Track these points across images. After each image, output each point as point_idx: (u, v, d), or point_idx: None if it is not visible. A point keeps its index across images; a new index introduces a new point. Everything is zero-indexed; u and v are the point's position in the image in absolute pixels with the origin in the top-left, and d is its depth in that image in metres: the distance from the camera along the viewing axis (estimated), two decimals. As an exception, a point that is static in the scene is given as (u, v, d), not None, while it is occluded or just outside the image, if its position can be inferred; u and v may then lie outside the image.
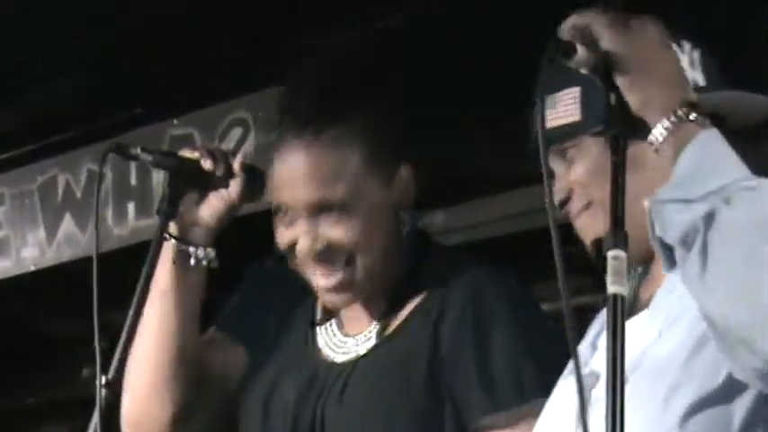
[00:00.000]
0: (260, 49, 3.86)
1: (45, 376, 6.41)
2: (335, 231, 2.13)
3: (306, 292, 2.27)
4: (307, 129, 2.16)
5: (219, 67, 3.98)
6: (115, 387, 1.96)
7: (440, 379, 2.11)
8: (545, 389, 1.89)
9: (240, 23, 3.77)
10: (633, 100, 1.64)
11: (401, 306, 2.21)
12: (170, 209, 2.15)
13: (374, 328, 2.21)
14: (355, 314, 2.24)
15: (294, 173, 2.15)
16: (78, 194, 4.55)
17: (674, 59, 1.68)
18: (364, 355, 2.19)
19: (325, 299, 2.22)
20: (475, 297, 2.13)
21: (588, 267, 1.79)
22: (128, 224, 4.42)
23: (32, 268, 4.71)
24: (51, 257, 4.65)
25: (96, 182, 2.17)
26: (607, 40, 1.63)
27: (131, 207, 4.41)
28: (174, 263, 2.22)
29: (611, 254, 1.57)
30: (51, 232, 4.63)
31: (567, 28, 1.65)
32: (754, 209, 1.54)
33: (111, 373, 1.95)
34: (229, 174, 2.21)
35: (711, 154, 1.60)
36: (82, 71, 4.12)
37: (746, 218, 1.53)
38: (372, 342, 2.20)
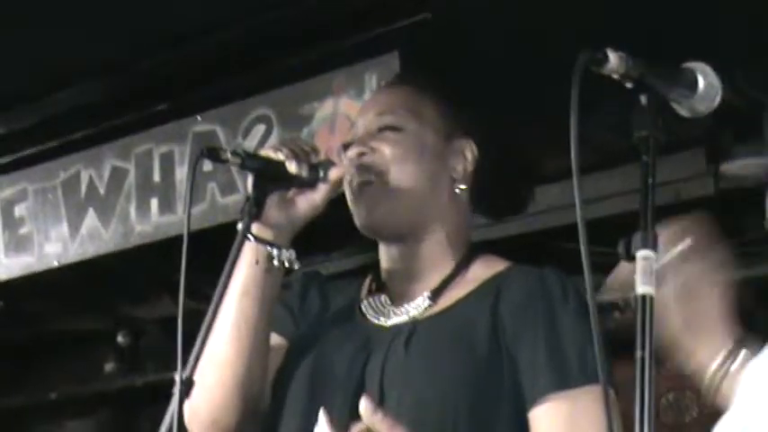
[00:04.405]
0: (283, 46, 3.86)
1: (68, 372, 6.44)
2: (384, 145, 2.27)
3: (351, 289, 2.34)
4: (393, 81, 2.50)
5: (242, 63, 3.98)
6: (189, 385, 1.95)
7: (501, 343, 2.16)
8: (600, 374, 1.99)
9: (262, 20, 3.76)
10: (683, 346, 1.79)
11: (453, 286, 2.26)
12: (255, 210, 2.15)
13: (426, 298, 2.26)
14: (406, 286, 2.29)
15: (368, 104, 2.40)
16: (102, 190, 4.54)
17: (717, 298, 1.80)
18: (421, 318, 2.23)
19: (354, 199, 2.30)
20: (540, 282, 2.20)
21: (610, 266, 1.79)
22: (151, 220, 4.41)
23: (55, 264, 4.71)
24: (74, 253, 4.64)
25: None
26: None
27: (155, 203, 4.40)
28: (257, 264, 2.22)
29: (640, 254, 1.57)
30: (74, 228, 4.63)
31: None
32: None
33: (188, 371, 1.94)
34: (314, 174, 2.23)
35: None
36: (106, 68, 4.13)
37: None
38: (423, 308, 2.24)
